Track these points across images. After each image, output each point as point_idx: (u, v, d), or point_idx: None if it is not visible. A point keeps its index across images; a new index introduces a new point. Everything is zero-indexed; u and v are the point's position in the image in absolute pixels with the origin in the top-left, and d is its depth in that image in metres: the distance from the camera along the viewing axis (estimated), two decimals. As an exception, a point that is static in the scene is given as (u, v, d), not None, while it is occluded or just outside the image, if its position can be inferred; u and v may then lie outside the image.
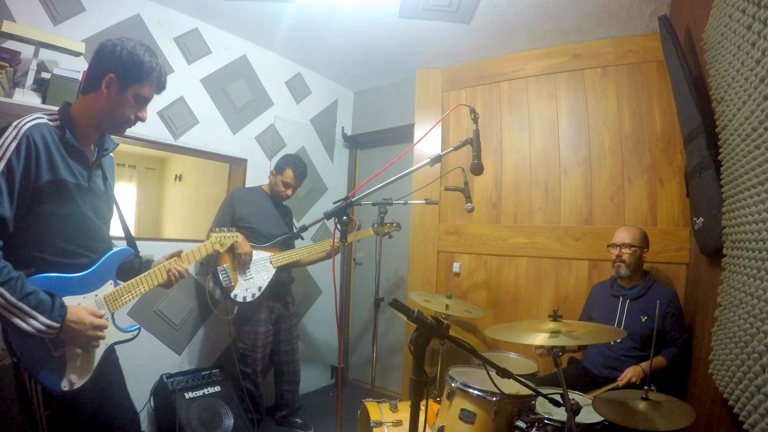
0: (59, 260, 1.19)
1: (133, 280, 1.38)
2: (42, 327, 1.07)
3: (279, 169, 2.61)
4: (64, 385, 1.16)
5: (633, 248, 2.06)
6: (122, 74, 1.21)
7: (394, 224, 2.65)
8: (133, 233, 1.50)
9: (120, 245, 1.40)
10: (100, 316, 1.22)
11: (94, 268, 1.27)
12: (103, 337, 1.23)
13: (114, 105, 1.23)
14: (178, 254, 1.50)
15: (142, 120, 1.31)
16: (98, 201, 1.31)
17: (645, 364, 1.85)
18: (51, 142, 1.15)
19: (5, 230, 1.07)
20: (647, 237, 2.11)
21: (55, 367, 1.15)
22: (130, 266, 1.45)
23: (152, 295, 2.44)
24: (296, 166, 2.59)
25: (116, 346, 1.37)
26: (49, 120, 1.18)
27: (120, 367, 1.45)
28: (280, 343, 2.64)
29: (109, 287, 1.31)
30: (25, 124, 1.11)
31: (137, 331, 1.41)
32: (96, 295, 1.27)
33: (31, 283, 1.09)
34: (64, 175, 1.17)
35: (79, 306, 1.19)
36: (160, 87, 1.32)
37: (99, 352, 1.27)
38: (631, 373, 1.83)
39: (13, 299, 1.03)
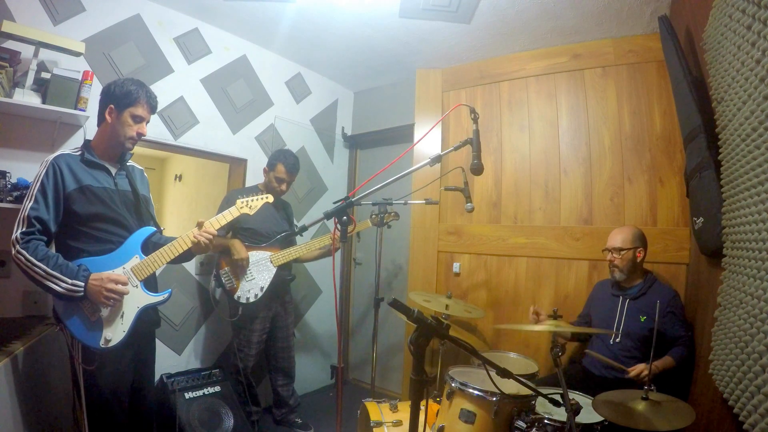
0: (95, 248, 1.53)
1: (156, 252, 1.62)
2: (69, 286, 1.40)
3: (271, 166, 2.58)
4: (101, 342, 1.46)
5: (623, 251, 2.04)
6: (117, 103, 1.59)
7: (393, 214, 2.62)
8: None
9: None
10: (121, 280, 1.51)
11: (120, 247, 1.58)
12: (121, 292, 1.49)
13: (117, 126, 1.60)
14: (201, 224, 1.70)
15: (143, 134, 1.65)
16: (127, 200, 1.67)
17: (657, 362, 1.81)
18: (73, 163, 1.54)
19: (48, 229, 1.45)
20: (643, 235, 2.08)
21: (92, 329, 1.46)
22: (155, 243, 1.69)
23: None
24: (287, 161, 2.56)
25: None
26: (72, 151, 1.59)
27: (155, 347, 1.82)
28: (276, 340, 2.66)
29: (135, 261, 1.59)
30: (51, 156, 1.53)
31: (168, 295, 1.64)
32: (123, 268, 1.56)
33: (65, 260, 1.43)
34: (88, 181, 1.54)
35: (102, 272, 1.48)
36: (152, 107, 1.66)
37: (131, 313, 1.55)
38: (642, 367, 1.76)
39: (48, 269, 1.38)
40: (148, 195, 1.82)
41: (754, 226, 1.12)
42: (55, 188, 1.47)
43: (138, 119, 1.62)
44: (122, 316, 1.52)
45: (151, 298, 1.60)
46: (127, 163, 1.73)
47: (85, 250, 1.52)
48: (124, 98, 1.58)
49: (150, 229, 1.67)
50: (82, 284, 1.41)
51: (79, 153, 1.59)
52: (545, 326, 1.46)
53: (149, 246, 1.66)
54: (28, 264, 1.38)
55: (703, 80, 1.68)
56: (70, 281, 1.40)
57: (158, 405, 2.33)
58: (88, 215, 1.52)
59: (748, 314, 1.14)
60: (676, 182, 2.33)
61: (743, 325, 1.16)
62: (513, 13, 2.45)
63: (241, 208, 1.81)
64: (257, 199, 1.85)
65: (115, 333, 1.49)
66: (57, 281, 1.38)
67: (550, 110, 2.79)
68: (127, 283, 1.53)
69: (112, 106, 1.58)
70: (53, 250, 1.50)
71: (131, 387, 1.64)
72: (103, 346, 1.46)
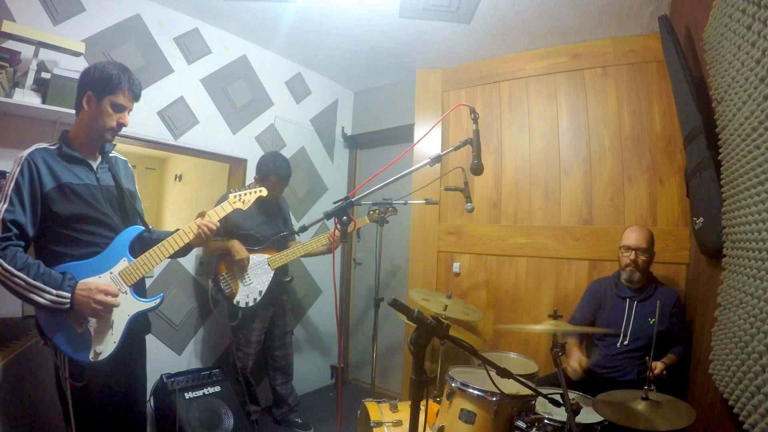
0: (78, 251, 1.39)
1: (149, 251, 1.50)
2: (54, 298, 1.27)
3: (262, 176, 2.47)
4: (91, 356, 1.34)
5: (648, 253, 2.04)
6: (96, 90, 1.42)
7: (390, 208, 2.59)
8: None
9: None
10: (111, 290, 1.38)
11: (105, 250, 1.44)
12: (112, 303, 1.37)
13: (96, 116, 1.44)
14: (203, 214, 1.62)
15: (124, 125, 1.49)
16: (111, 195, 1.52)
17: (665, 359, 1.85)
18: (50, 158, 1.38)
19: (25, 233, 1.31)
20: (654, 237, 2.10)
21: (80, 342, 1.33)
22: (144, 242, 1.56)
23: (154, 293, 2.44)
24: (278, 171, 2.45)
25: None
26: (49, 145, 1.42)
27: (145, 354, 1.65)
28: (274, 339, 2.66)
29: (123, 264, 1.46)
30: (26, 152, 1.37)
31: (160, 300, 1.52)
32: (111, 273, 1.43)
33: (47, 268, 1.30)
34: (67, 178, 1.39)
35: (89, 280, 1.36)
36: (135, 95, 1.51)
37: (122, 323, 1.42)
38: (661, 366, 1.78)
39: (29, 279, 1.25)
40: (134, 189, 1.68)
41: (754, 226, 1.12)
42: (31, 188, 1.32)
43: (119, 108, 1.45)
44: (112, 326, 1.39)
45: (142, 305, 1.48)
46: (110, 155, 1.59)
47: (68, 254, 1.38)
48: (104, 84, 1.42)
49: (137, 229, 1.53)
50: (69, 295, 1.29)
51: (56, 146, 1.43)
52: (545, 328, 1.42)
53: (136, 247, 1.52)
54: (6, 274, 1.23)
55: (703, 80, 1.67)
56: (54, 292, 1.27)
57: (158, 405, 2.33)
58: (69, 216, 1.38)
59: (748, 314, 1.14)
60: (676, 182, 2.33)
61: (743, 325, 1.16)
62: (513, 13, 2.45)
63: (234, 203, 1.71)
64: (250, 193, 1.76)
65: (106, 345, 1.37)
66: (40, 292, 1.25)
67: (550, 110, 2.79)
68: (118, 293, 1.40)
69: (90, 93, 1.42)
70: (32, 255, 1.37)
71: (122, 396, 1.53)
72: (93, 360, 1.34)
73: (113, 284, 1.42)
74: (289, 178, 2.55)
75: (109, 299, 1.36)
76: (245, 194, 1.74)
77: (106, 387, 1.43)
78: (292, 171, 2.60)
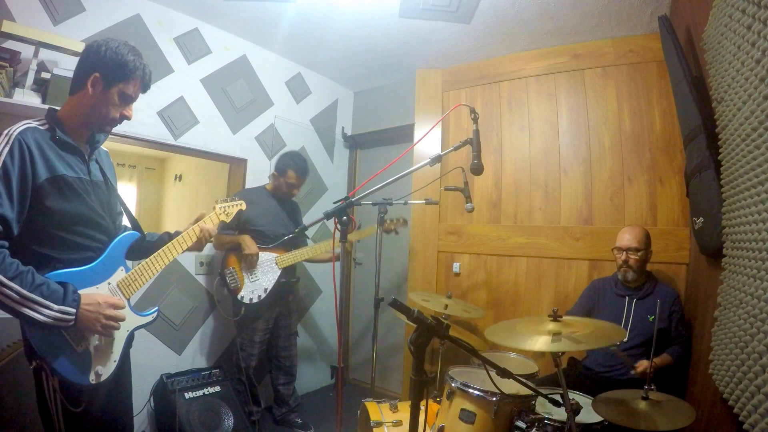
0: (69, 256, 1.21)
1: (148, 259, 1.39)
2: (57, 314, 1.08)
3: (281, 171, 2.61)
4: (92, 378, 1.19)
5: (640, 252, 2.05)
6: (106, 73, 1.23)
7: (401, 220, 2.65)
8: None
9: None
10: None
11: (102, 257, 1.28)
12: (122, 318, 1.24)
13: (99, 103, 1.24)
14: (201, 218, 1.55)
15: (128, 118, 1.32)
16: (101, 193, 1.33)
17: (656, 359, 1.84)
18: (43, 143, 1.16)
19: (10, 231, 1.09)
20: (650, 236, 2.10)
21: (80, 363, 1.17)
22: (140, 249, 1.45)
23: (153, 294, 2.45)
24: (297, 166, 2.60)
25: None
26: (38, 125, 1.20)
27: (131, 370, 1.48)
28: (279, 339, 2.67)
29: (120, 273, 1.32)
30: (15, 130, 1.13)
31: (156, 313, 1.42)
32: (109, 284, 1.28)
33: (43, 276, 1.11)
34: (62, 170, 1.19)
35: (92, 293, 1.21)
36: (145, 86, 1.33)
37: (121, 340, 1.30)
38: (646, 364, 1.78)
39: (24, 291, 1.04)
40: (116, 185, 1.49)
41: (754, 226, 1.12)
42: (21, 176, 1.09)
43: (127, 99, 1.28)
44: (112, 344, 1.27)
45: (140, 319, 1.37)
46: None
47: (57, 259, 1.18)
48: (117, 69, 1.23)
49: (134, 235, 1.39)
50: (74, 311, 1.11)
51: (46, 128, 1.20)
52: (546, 346, 1.33)
53: (130, 254, 1.39)
54: None
55: (703, 80, 1.67)
56: (56, 308, 1.07)
57: (158, 405, 2.33)
58: (64, 214, 1.18)
59: (748, 314, 1.14)
60: (676, 182, 2.33)
61: (743, 325, 1.16)
62: (513, 13, 2.45)
63: (219, 215, 1.67)
64: (232, 206, 1.73)
65: (107, 364, 1.23)
66: (37, 307, 1.05)
67: (550, 110, 2.79)
68: (125, 306, 1.28)
69: (98, 75, 1.22)
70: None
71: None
72: (94, 383, 1.19)
73: (112, 294, 1.29)
74: (306, 175, 2.67)
75: (117, 313, 1.22)
76: (228, 206, 1.73)
77: (104, 410, 1.28)
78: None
